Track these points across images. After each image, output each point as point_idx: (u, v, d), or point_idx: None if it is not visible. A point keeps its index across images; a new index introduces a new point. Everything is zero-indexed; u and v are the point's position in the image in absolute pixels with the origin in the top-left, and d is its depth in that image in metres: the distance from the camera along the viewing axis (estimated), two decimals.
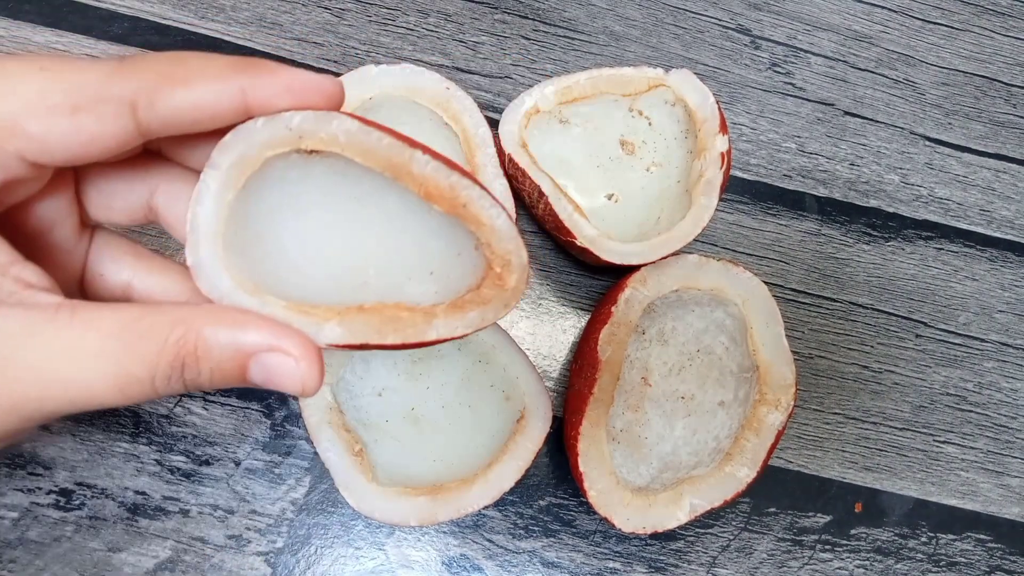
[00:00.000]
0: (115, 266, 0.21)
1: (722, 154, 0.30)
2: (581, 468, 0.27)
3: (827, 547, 0.32)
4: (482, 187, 0.18)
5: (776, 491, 0.33)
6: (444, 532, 0.30)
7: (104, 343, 0.16)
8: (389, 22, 0.36)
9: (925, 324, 0.36)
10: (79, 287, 0.21)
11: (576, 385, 0.29)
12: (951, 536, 0.33)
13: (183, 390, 0.17)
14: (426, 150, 0.18)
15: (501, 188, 0.30)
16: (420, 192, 0.18)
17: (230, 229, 0.18)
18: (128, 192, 0.20)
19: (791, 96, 0.38)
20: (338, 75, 0.31)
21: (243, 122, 0.17)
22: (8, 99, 0.15)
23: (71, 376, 0.16)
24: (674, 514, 0.27)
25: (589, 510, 0.31)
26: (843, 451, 0.34)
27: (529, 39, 0.37)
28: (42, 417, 0.16)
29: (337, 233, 0.19)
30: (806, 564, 0.32)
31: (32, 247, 0.19)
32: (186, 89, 0.16)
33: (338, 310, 0.18)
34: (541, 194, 0.29)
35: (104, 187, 0.20)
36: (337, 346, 0.17)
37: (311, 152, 0.18)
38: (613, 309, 0.29)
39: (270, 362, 0.17)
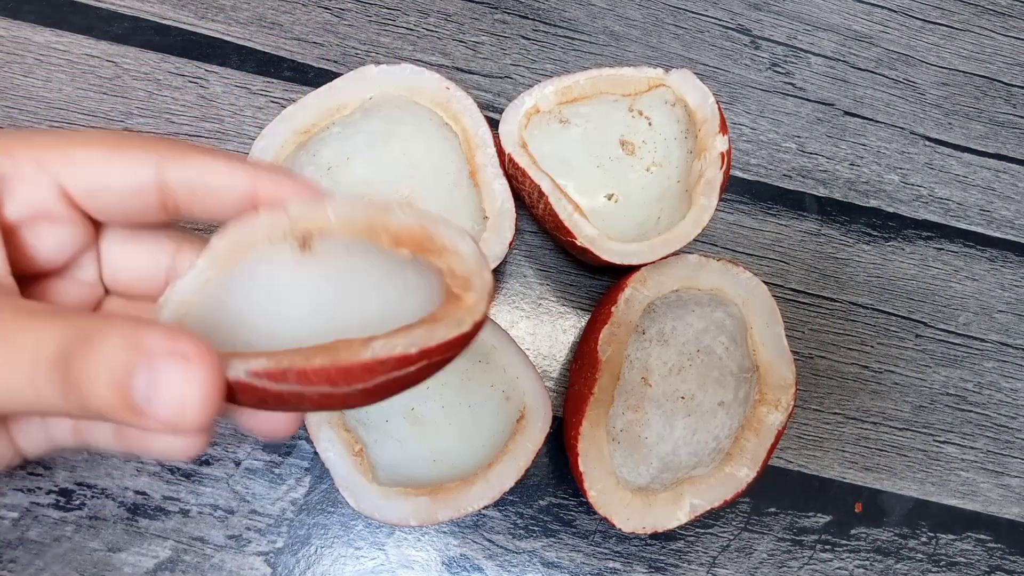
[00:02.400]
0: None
1: (722, 154, 0.30)
2: (581, 468, 0.27)
3: (827, 547, 0.32)
4: (453, 224, 0.18)
5: (776, 491, 0.33)
6: (444, 532, 0.30)
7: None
8: (389, 22, 0.36)
9: (925, 324, 0.36)
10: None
11: (576, 385, 0.29)
12: (951, 536, 0.33)
13: (61, 401, 0.14)
14: (408, 208, 0.18)
15: (501, 188, 0.30)
16: (391, 241, 0.18)
17: (199, 300, 0.18)
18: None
19: (791, 96, 0.38)
20: (337, 74, 0.31)
21: (244, 216, 0.19)
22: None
23: None
24: (674, 514, 0.27)
25: (589, 510, 0.31)
26: (843, 451, 0.34)
27: (529, 39, 0.37)
28: None
29: (309, 306, 0.19)
30: (806, 564, 0.32)
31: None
32: (205, 159, 0.18)
33: (270, 352, 0.16)
34: (541, 194, 0.29)
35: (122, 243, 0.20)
36: (256, 375, 0.15)
37: (304, 247, 0.19)
38: (613, 309, 0.29)
39: (160, 367, 0.14)
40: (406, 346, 0.15)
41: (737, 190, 0.36)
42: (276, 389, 0.15)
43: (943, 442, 0.35)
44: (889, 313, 0.36)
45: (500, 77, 0.36)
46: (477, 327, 0.16)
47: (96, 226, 0.20)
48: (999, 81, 0.40)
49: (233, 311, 0.18)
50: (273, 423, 0.19)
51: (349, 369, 0.14)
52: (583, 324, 0.33)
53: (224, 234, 0.18)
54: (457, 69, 0.36)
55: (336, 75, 0.32)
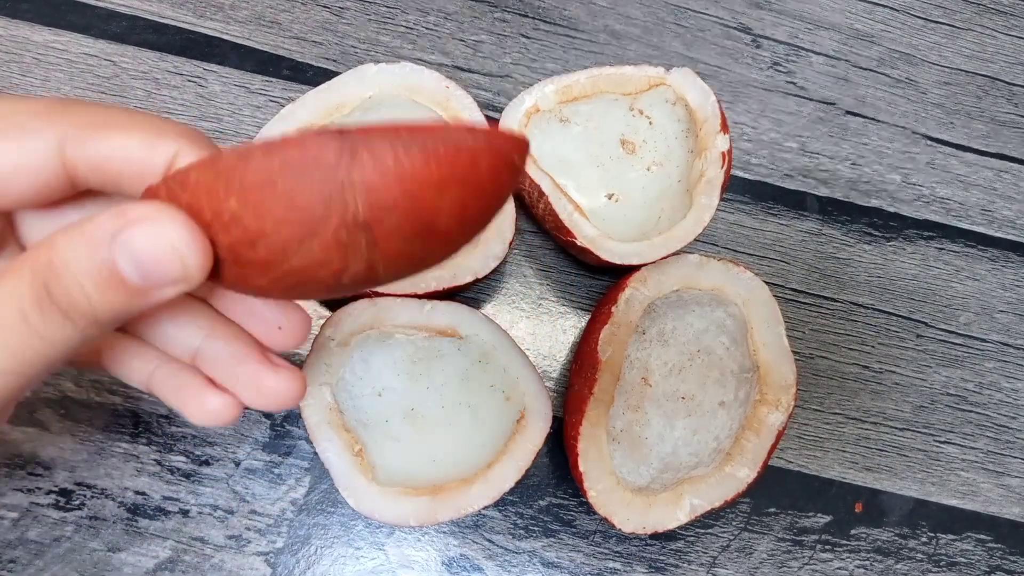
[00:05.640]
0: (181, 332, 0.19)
1: (723, 153, 0.30)
2: (581, 468, 0.27)
3: (827, 547, 0.32)
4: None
5: (776, 491, 0.33)
6: (444, 532, 0.30)
7: None
8: (388, 21, 0.36)
9: (926, 324, 0.36)
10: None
11: (576, 385, 0.29)
12: (951, 536, 0.33)
13: (72, 327, 0.14)
14: None
15: None
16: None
17: None
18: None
19: (792, 95, 0.38)
20: (336, 73, 0.31)
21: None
22: None
23: None
24: (674, 514, 0.27)
25: (589, 510, 0.31)
26: (843, 451, 0.34)
27: (529, 38, 0.36)
28: None
29: None
30: (806, 564, 0.32)
31: None
32: (122, 136, 0.15)
33: None
34: (541, 194, 0.29)
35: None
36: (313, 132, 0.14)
37: None
38: (613, 309, 0.28)
39: (135, 243, 0.14)
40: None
41: (738, 190, 0.36)
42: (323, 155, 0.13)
43: (943, 442, 0.35)
44: (890, 313, 0.36)
45: (500, 76, 0.36)
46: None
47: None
48: (1001, 80, 0.40)
49: None
50: (288, 324, 0.19)
51: (397, 128, 0.13)
52: (583, 324, 0.33)
53: None
54: (457, 68, 0.35)
55: (335, 74, 0.32)
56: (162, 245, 0.14)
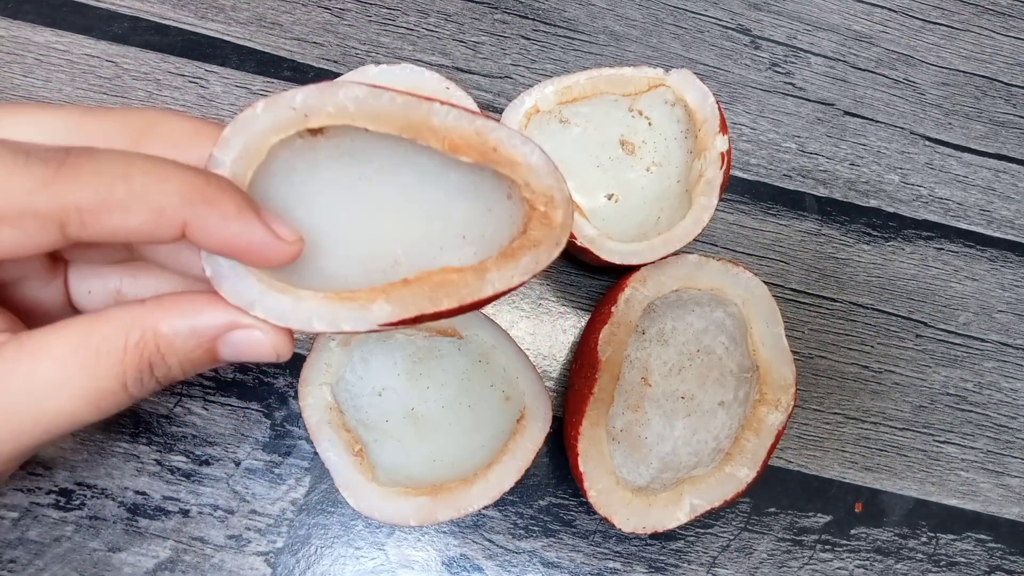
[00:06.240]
0: (100, 280, 0.20)
1: (722, 154, 0.30)
2: (581, 468, 0.27)
3: (827, 547, 0.32)
4: (508, 128, 0.17)
5: (776, 491, 0.33)
6: (444, 532, 0.30)
7: (62, 367, 0.15)
8: (389, 22, 0.36)
9: (925, 324, 0.36)
10: (69, 308, 0.20)
11: (576, 385, 0.29)
12: (951, 536, 0.33)
13: (159, 387, 0.17)
14: (443, 102, 0.17)
15: None
16: (444, 146, 0.17)
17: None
18: (105, 265, 0.20)
19: (791, 96, 0.38)
20: (337, 74, 0.31)
21: (242, 111, 0.17)
22: None
23: (38, 408, 0.15)
24: (674, 514, 0.27)
25: (589, 510, 0.31)
26: (843, 451, 0.34)
27: (529, 39, 0.37)
28: (21, 454, 0.16)
29: (353, 219, 0.18)
30: (806, 564, 0.32)
31: None
32: (122, 216, 0.15)
33: (383, 288, 0.17)
34: None
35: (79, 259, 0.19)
36: (390, 324, 0.16)
37: (317, 133, 0.17)
38: (613, 309, 0.29)
39: (238, 339, 0.17)
40: (520, 275, 0.17)
41: (737, 190, 0.36)
42: (401, 326, 0.16)
43: (943, 442, 0.35)
44: (889, 313, 0.36)
45: (500, 77, 0.36)
46: (566, 242, 0.18)
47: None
48: (999, 81, 0.40)
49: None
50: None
51: (474, 303, 0.16)
52: (583, 324, 0.33)
53: (227, 144, 0.17)
54: (457, 69, 0.36)
55: (336, 75, 0.32)
56: (265, 345, 0.17)
